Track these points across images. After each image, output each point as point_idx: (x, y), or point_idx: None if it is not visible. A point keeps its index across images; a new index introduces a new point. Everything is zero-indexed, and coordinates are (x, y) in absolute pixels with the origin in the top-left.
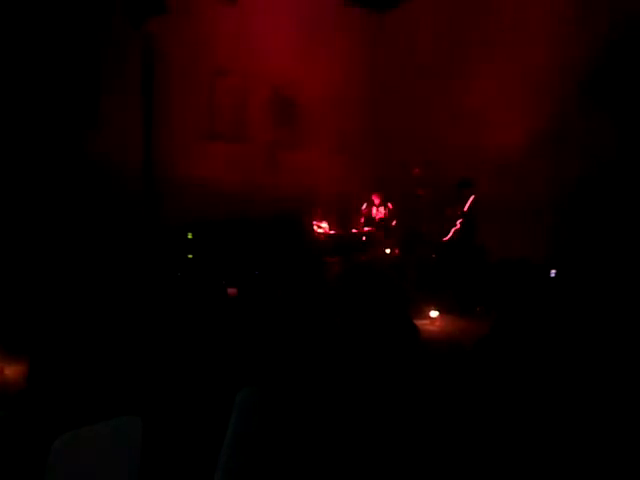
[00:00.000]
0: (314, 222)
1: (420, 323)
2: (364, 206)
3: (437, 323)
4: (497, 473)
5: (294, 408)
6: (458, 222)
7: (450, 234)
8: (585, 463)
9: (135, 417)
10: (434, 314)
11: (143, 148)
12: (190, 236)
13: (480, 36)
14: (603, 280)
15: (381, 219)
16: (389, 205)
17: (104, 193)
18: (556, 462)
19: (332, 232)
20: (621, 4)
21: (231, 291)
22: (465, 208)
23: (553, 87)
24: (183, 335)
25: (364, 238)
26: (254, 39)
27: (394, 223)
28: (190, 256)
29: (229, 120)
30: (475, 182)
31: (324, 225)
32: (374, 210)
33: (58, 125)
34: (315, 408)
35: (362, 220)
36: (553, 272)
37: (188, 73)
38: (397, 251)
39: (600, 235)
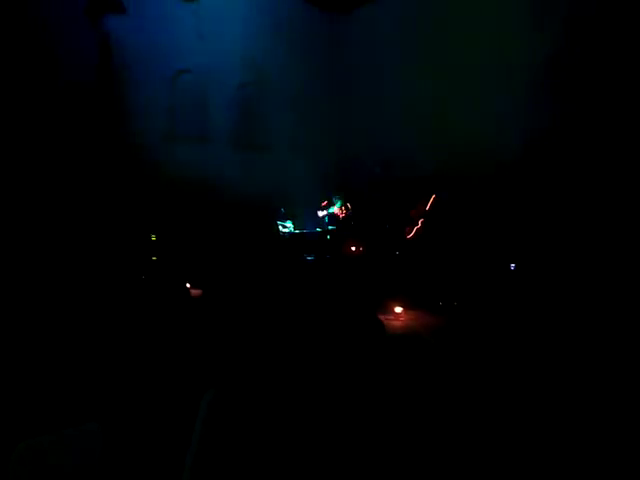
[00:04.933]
0: (279, 222)
1: (385, 318)
2: (324, 202)
3: (401, 318)
4: (459, 456)
5: (260, 409)
6: (420, 222)
7: (412, 233)
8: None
9: (94, 424)
10: (398, 309)
11: (102, 150)
12: (154, 238)
13: (437, 36)
14: (562, 273)
15: (343, 218)
16: (348, 205)
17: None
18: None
19: (296, 231)
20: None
21: (195, 292)
22: (427, 208)
23: (506, 85)
24: (147, 338)
25: (328, 237)
26: (215, 38)
27: (353, 222)
28: (154, 258)
29: (190, 120)
30: (436, 182)
31: (288, 224)
32: (335, 209)
33: (11, 124)
34: (283, 407)
35: (326, 219)
36: (513, 266)
37: (148, 72)
38: (360, 249)
39: (559, 229)
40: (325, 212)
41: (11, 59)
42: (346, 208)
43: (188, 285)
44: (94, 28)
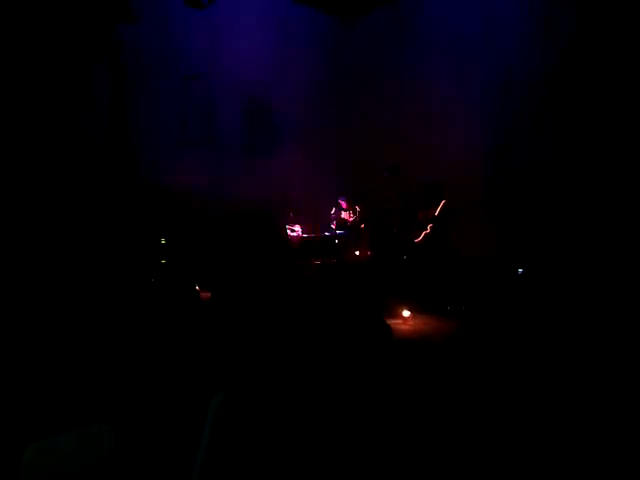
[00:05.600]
0: (287, 226)
1: (393, 323)
2: (332, 210)
3: (409, 322)
4: (465, 461)
5: (269, 412)
6: (429, 226)
7: (421, 237)
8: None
9: (105, 425)
10: (406, 314)
11: (113, 154)
12: (163, 241)
13: (444, 40)
14: (569, 278)
15: (351, 222)
16: (357, 208)
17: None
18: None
19: (305, 235)
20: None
21: (204, 295)
22: (436, 213)
23: (514, 88)
24: (157, 341)
25: (336, 241)
26: (224, 44)
27: (362, 226)
28: (163, 261)
29: (201, 125)
30: (444, 186)
31: (297, 228)
32: (343, 213)
33: (26, 131)
34: (291, 411)
35: (334, 223)
36: (520, 270)
37: (159, 78)
38: (369, 253)
39: (566, 233)
40: (334, 224)
41: (18, 68)
42: (354, 212)
43: (197, 288)
44: (106, 36)
